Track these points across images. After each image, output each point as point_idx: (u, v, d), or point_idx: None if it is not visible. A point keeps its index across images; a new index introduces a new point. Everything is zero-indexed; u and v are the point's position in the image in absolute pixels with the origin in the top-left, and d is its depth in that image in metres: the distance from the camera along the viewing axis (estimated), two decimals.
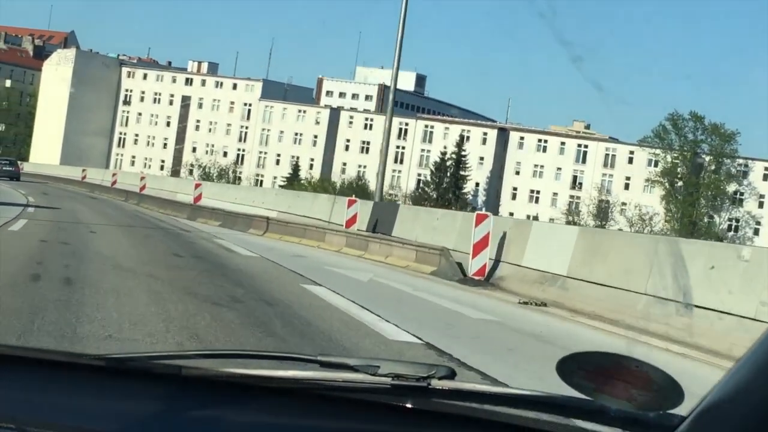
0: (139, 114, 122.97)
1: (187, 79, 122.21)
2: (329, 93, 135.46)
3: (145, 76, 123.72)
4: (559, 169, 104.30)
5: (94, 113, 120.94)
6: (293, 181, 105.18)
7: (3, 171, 54.98)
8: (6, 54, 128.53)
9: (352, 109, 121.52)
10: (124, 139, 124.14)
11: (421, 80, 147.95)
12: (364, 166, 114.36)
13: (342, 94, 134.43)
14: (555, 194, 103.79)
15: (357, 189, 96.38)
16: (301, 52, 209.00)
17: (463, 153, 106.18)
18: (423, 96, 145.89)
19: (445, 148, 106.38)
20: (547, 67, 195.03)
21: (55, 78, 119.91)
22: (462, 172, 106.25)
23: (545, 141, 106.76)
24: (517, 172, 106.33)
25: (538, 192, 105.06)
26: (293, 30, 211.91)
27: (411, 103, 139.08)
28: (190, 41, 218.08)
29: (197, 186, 37.64)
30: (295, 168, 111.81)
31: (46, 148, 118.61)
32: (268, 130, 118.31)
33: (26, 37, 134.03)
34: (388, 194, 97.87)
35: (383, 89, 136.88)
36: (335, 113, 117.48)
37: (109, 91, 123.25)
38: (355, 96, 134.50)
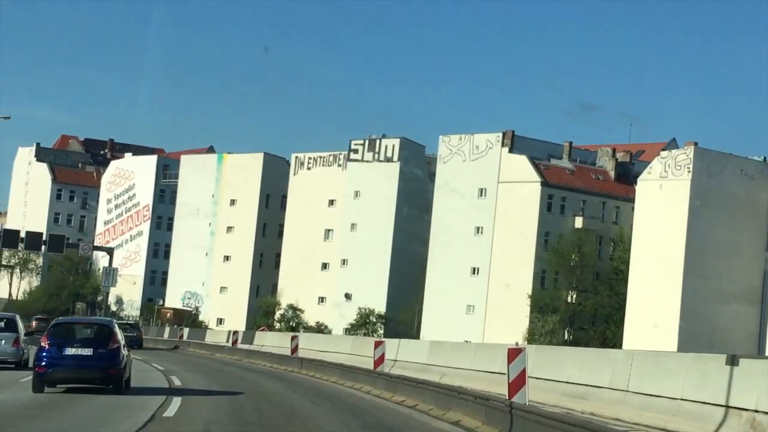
0: None
1: None
2: None
3: None
4: None
5: (737, 260, 76.15)
6: None
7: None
8: (574, 177, 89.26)
9: None
10: None
11: None
12: None
13: None
14: None
15: None
16: None
17: None
18: None
19: None
20: None
21: (658, 201, 77.61)
22: None
23: None
24: None
25: None
26: None
27: None
28: None
29: None
30: None
31: (648, 323, 75.32)
32: None
33: (602, 150, 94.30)
34: None
35: None
36: None
37: (758, 221, 78.07)
38: None
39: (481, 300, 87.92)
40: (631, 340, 77.26)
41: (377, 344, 28.81)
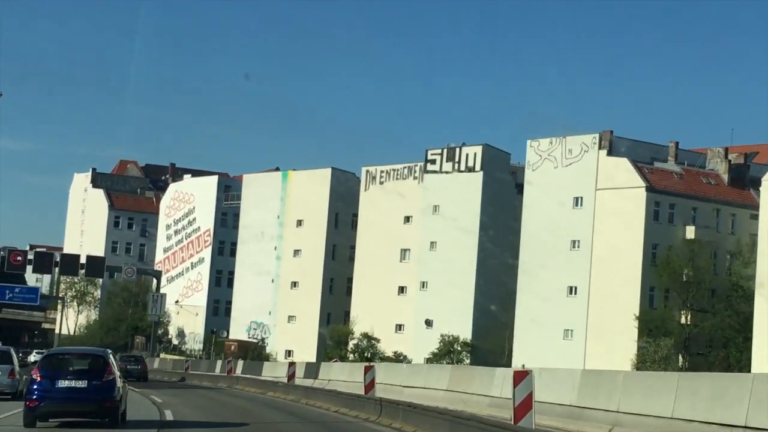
0: None
1: None
2: None
3: None
4: None
5: None
6: None
7: (128, 371, 52.81)
8: (683, 181, 79.11)
9: None
10: None
11: None
12: None
13: None
14: None
15: None
16: None
17: None
18: None
19: None
20: None
21: None
22: None
23: None
24: None
25: None
26: None
27: None
28: None
29: None
30: None
31: None
32: None
33: (713, 151, 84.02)
34: None
35: None
36: None
37: None
38: None
39: (581, 323, 77.73)
40: (761, 365, 66.62)
41: (519, 378, 16.57)
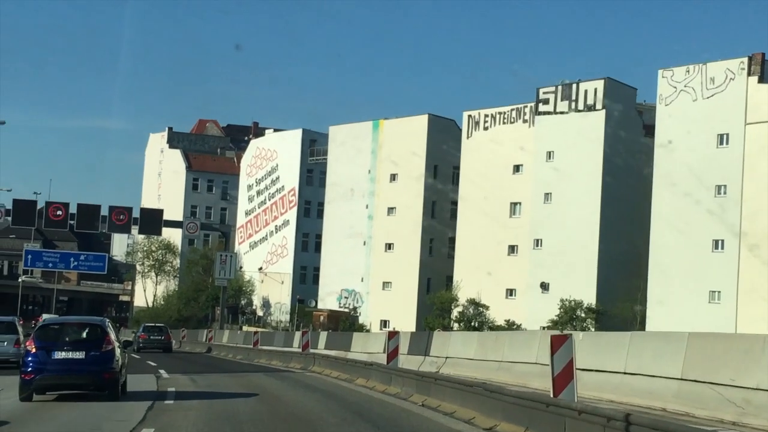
0: None
1: None
2: None
3: None
4: None
5: None
6: None
7: (151, 341, 53.58)
8: None
9: None
10: None
11: None
12: None
13: None
14: None
15: None
16: None
17: None
18: None
19: None
20: None
21: None
22: None
23: None
24: None
25: None
26: None
27: None
28: None
29: None
30: None
31: None
32: None
33: None
34: None
35: None
36: None
37: None
38: None
39: (730, 283, 65.77)
40: None
41: None
